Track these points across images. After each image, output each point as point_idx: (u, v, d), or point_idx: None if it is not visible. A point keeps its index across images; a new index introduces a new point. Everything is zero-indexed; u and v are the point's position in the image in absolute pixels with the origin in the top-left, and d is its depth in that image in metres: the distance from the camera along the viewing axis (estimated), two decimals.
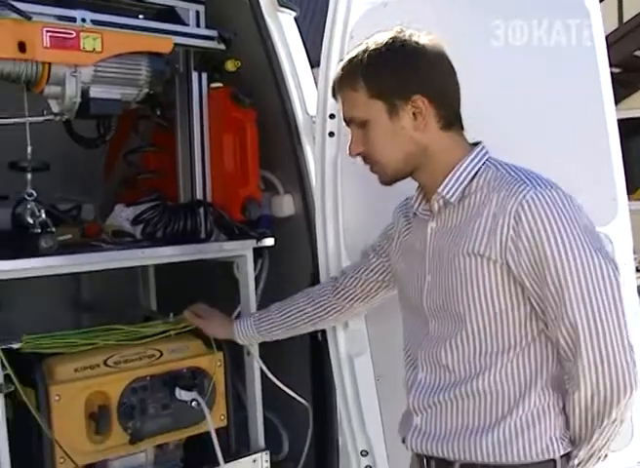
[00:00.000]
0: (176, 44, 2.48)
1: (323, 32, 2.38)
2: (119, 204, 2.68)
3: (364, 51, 1.85)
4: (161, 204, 2.64)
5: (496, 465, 1.78)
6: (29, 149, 2.33)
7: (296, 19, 2.74)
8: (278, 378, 2.62)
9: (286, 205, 2.81)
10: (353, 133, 1.92)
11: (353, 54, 1.88)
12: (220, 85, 2.68)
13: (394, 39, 1.83)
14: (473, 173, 1.83)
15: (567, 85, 2.51)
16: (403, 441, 1.99)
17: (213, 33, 2.59)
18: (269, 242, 2.67)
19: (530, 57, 2.49)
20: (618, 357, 1.67)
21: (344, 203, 2.41)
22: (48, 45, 2.19)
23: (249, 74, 2.63)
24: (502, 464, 1.78)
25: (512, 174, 1.78)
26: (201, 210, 2.63)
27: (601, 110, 2.56)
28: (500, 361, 1.79)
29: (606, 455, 1.84)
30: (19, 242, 2.30)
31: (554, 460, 1.78)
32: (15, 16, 2.14)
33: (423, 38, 1.86)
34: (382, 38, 1.84)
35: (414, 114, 1.82)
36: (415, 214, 1.99)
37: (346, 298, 2.29)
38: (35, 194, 2.33)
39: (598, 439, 1.77)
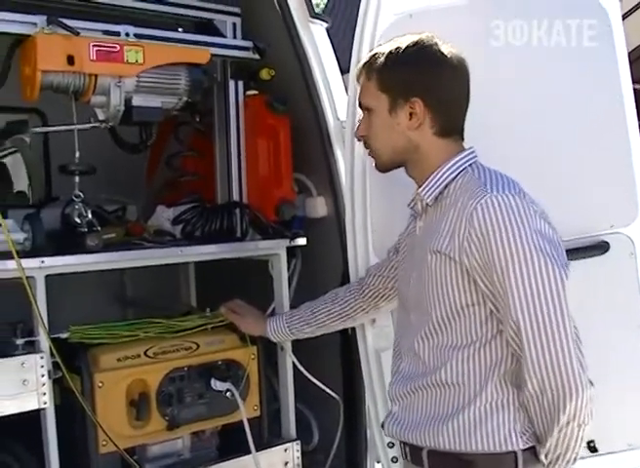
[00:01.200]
0: (213, 55, 2.62)
1: (352, 41, 2.51)
2: (161, 205, 2.83)
3: (389, 46, 1.98)
4: (200, 205, 2.78)
5: (458, 453, 1.87)
6: (77, 154, 2.51)
7: (328, 29, 2.85)
8: (310, 371, 2.72)
9: (319, 206, 2.92)
10: (363, 117, 2.08)
11: (380, 48, 2.02)
12: (255, 92, 2.81)
13: (417, 42, 1.96)
14: (452, 176, 1.94)
15: (588, 87, 2.59)
16: (382, 426, 2.13)
17: (248, 44, 2.74)
18: (302, 241, 2.79)
19: (552, 61, 2.55)
20: (561, 360, 1.72)
21: (372, 204, 2.51)
22: (94, 58, 2.38)
23: (283, 82, 2.76)
24: (464, 452, 1.86)
25: (482, 179, 1.88)
26: (237, 210, 2.75)
27: (622, 111, 2.61)
28: (460, 354, 1.87)
29: (575, 458, 1.86)
30: (67, 240, 2.46)
31: (515, 452, 1.84)
32: (64, 31, 2.31)
33: (448, 49, 1.96)
34: (409, 39, 1.97)
35: (410, 114, 1.95)
36: (411, 214, 2.16)
37: (371, 297, 2.41)
38: (82, 196, 2.49)
39: (559, 438, 1.80)
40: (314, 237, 2.86)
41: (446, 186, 1.94)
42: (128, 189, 3.14)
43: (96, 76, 2.42)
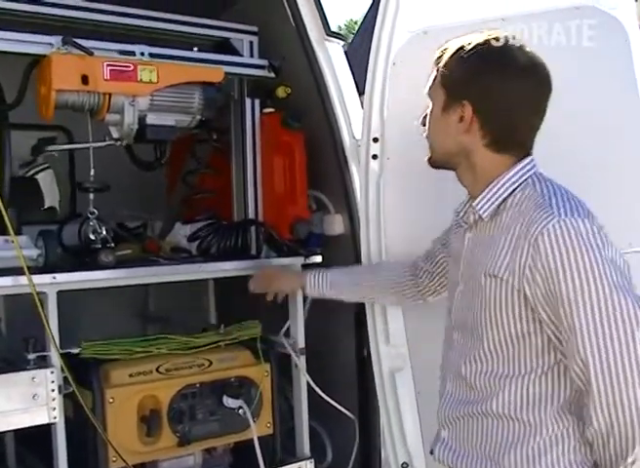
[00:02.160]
0: (228, 73, 2.64)
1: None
2: (178, 222, 2.86)
3: (463, 39, 1.82)
4: (215, 222, 2.79)
5: None
6: (92, 172, 2.55)
7: (345, 48, 2.86)
8: (325, 389, 2.71)
9: (337, 224, 2.90)
10: (429, 106, 1.92)
11: (463, 38, 1.83)
12: (271, 110, 2.83)
13: (488, 41, 1.78)
14: (511, 189, 1.77)
15: (610, 107, 2.56)
16: (431, 452, 2.01)
17: (263, 62, 2.76)
18: (317, 259, 2.78)
19: (580, 79, 2.54)
20: (632, 401, 1.57)
21: (387, 223, 2.48)
22: (108, 77, 2.42)
23: (299, 100, 2.77)
24: None
25: (546, 196, 1.71)
26: (252, 228, 2.76)
27: None
28: (514, 385, 1.75)
29: None
30: (81, 256, 2.50)
31: None
32: (79, 51, 2.36)
33: (526, 55, 1.78)
34: (484, 36, 1.80)
35: (460, 117, 1.79)
36: (457, 221, 2.01)
37: (425, 294, 2.33)
38: (97, 212, 2.53)
39: None
40: (332, 254, 2.85)
41: (504, 200, 1.77)
42: (152, 205, 3.18)
43: (110, 95, 2.46)
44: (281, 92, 2.71)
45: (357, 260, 2.65)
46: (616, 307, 1.57)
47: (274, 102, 2.81)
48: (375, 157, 2.47)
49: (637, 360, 1.57)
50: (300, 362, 2.72)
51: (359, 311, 2.62)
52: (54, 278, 2.25)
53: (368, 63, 2.48)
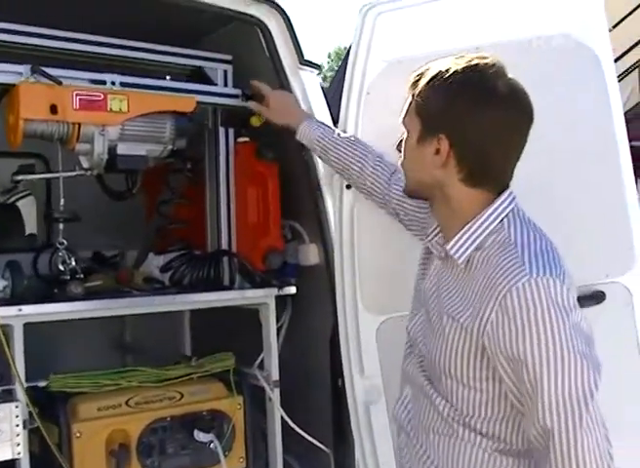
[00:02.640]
0: (201, 102, 2.62)
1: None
2: (151, 252, 2.82)
3: (442, 64, 1.72)
4: (188, 253, 2.76)
5: None
6: (62, 202, 2.53)
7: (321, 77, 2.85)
8: (299, 423, 2.67)
9: (311, 254, 2.86)
10: (403, 134, 1.84)
11: (437, 62, 1.75)
12: (246, 139, 2.81)
13: (468, 69, 1.68)
14: (486, 232, 1.69)
15: (584, 136, 2.55)
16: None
17: (236, 91, 2.73)
18: (291, 290, 2.76)
19: (546, 113, 2.53)
20: (593, 464, 1.52)
21: (361, 254, 2.45)
22: (77, 107, 2.38)
23: (273, 128, 2.76)
24: None
25: (519, 246, 1.63)
26: (225, 259, 2.73)
27: (616, 160, 2.59)
28: (466, 429, 1.71)
29: None
30: (50, 287, 2.47)
31: None
32: (47, 81, 2.33)
33: (507, 85, 1.68)
34: (465, 61, 1.70)
35: (436, 150, 1.69)
36: (426, 244, 1.91)
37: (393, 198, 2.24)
38: (66, 243, 2.50)
39: None
40: (307, 285, 2.82)
41: (480, 243, 1.68)
42: (131, 234, 3.14)
43: (79, 125, 2.43)
44: (255, 120, 2.68)
45: (332, 291, 2.62)
46: (577, 375, 1.53)
47: (249, 131, 2.79)
48: (349, 187, 2.45)
49: (597, 423, 1.54)
50: (274, 395, 2.68)
51: (333, 337, 2.57)
52: (19, 310, 2.22)
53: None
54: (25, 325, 2.24)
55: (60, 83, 2.35)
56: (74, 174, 2.54)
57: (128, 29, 2.60)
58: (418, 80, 1.76)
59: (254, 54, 2.76)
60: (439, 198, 1.77)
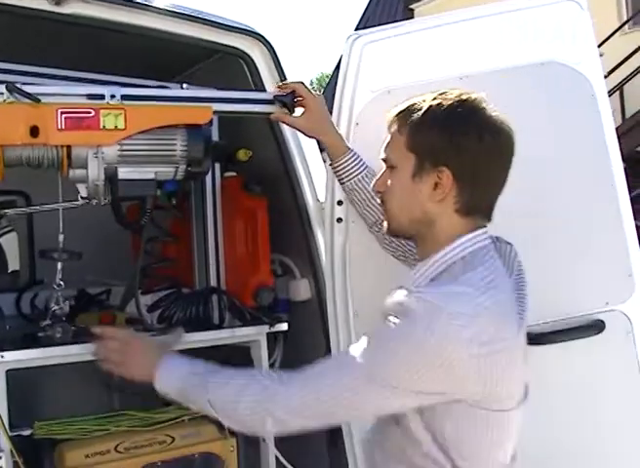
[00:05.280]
0: (218, 112, 2.34)
1: None
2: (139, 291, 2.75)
3: (431, 99, 1.76)
4: (176, 291, 2.70)
5: None
6: (61, 238, 2.31)
7: None
8: (294, 463, 2.59)
9: (302, 289, 2.84)
10: (384, 171, 1.86)
11: (422, 98, 1.78)
12: (233, 174, 2.77)
13: (464, 103, 1.74)
14: (444, 266, 1.73)
15: (579, 161, 2.56)
16: None
17: (267, 96, 2.39)
18: (283, 327, 2.69)
19: (540, 137, 2.51)
20: None
21: (353, 288, 2.43)
22: (62, 127, 2.06)
23: (261, 162, 2.72)
24: None
25: (451, 278, 1.68)
26: (214, 297, 2.67)
27: (613, 187, 2.58)
28: None
29: None
30: (33, 330, 2.39)
31: None
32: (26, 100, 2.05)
33: (496, 118, 1.74)
34: (456, 97, 1.75)
35: (435, 184, 1.72)
36: None
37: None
38: (63, 285, 2.33)
39: None
40: (299, 320, 2.77)
41: (438, 275, 1.73)
42: (118, 270, 3.04)
43: (68, 147, 2.10)
44: (242, 155, 2.64)
45: (324, 326, 2.57)
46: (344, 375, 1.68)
47: (235, 166, 2.74)
48: (339, 220, 2.42)
49: None
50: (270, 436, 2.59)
51: None
52: (1, 357, 2.13)
53: None
54: (8, 371, 2.16)
55: (38, 101, 2.04)
56: (77, 204, 2.23)
57: (110, 63, 2.55)
58: (402, 116, 1.79)
59: (238, 85, 2.71)
60: (424, 236, 1.79)
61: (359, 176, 2.24)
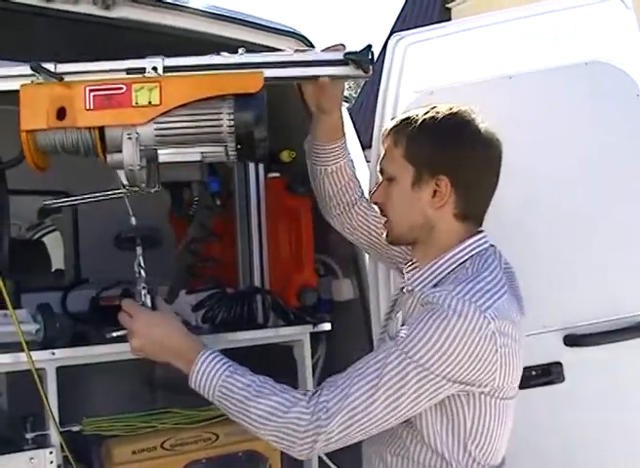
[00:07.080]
0: (271, 78, 1.96)
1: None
2: (182, 291, 2.78)
3: (424, 113, 1.89)
4: (220, 291, 2.72)
5: None
6: (133, 220, 2.09)
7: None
8: (337, 458, 2.60)
9: (345, 289, 2.85)
10: (381, 182, 1.98)
11: (414, 112, 1.92)
12: (276, 175, 2.79)
13: (456, 115, 1.88)
14: (446, 272, 1.85)
15: (623, 161, 2.58)
16: None
17: (334, 56, 2.09)
18: (326, 326, 2.70)
19: (590, 136, 2.52)
20: None
21: (397, 287, 2.43)
22: (91, 106, 1.85)
23: (304, 163, 2.72)
24: None
25: (468, 277, 1.78)
26: (258, 296, 2.69)
27: None
28: None
29: None
30: (83, 330, 2.43)
31: None
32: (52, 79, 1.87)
33: (485, 127, 1.89)
34: (447, 110, 1.89)
35: (434, 192, 1.85)
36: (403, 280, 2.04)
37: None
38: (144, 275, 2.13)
39: None
40: (341, 320, 2.78)
41: (440, 280, 1.86)
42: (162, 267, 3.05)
43: (101, 129, 1.87)
44: (286, 156, 2.66)
45: (367, 326, 2.58)
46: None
47: (279, 167, 2.77)
48: None
49: None
50: None
51: None
52: (52, 354, 2.17)
53: (374, 123, 2.46)
54: (58, 368, 2.20)
55: (61, 79, 1.85)
56: (110, 195, 2.02)
57: None
58: (398, 130, 1.92)
59: (283, 87, 2.71)
60: (424, 240, 1.92)
61: (344, 161, 2.24)
